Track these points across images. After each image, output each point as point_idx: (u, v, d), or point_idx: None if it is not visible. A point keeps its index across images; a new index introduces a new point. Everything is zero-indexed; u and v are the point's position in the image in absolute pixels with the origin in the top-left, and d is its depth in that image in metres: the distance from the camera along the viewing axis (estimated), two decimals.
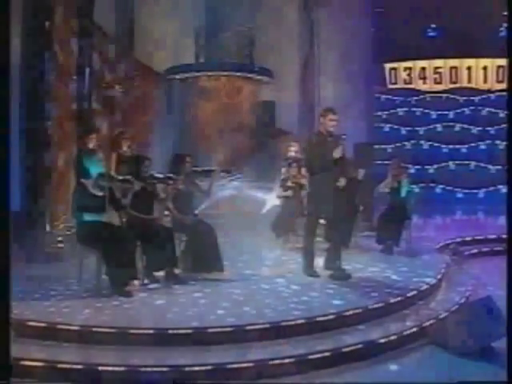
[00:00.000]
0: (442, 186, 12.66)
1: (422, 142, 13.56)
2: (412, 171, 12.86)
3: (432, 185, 12.76)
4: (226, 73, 8.82)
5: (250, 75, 9.01)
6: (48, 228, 5.61)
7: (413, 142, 13.62)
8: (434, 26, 15.88)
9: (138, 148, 7.72)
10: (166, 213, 5.58)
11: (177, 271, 4.96)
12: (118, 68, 7.94)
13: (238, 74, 8.89)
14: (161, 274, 4.84)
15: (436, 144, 13.45)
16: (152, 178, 4.96)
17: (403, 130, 14.04)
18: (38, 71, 5.44)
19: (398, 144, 13.62)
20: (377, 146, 13.10)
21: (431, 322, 4.20)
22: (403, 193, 6.43)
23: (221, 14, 8.95)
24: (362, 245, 6.77)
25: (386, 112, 14.43)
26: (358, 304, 4.19)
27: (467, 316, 3.98)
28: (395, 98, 15.00)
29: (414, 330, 4.06)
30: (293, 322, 3.78)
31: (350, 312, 4.04)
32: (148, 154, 6.80)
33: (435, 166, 13.03)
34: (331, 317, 3.93)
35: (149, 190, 4.94)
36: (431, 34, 16.05)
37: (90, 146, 5.78)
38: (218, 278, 4.97)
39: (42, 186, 5.55)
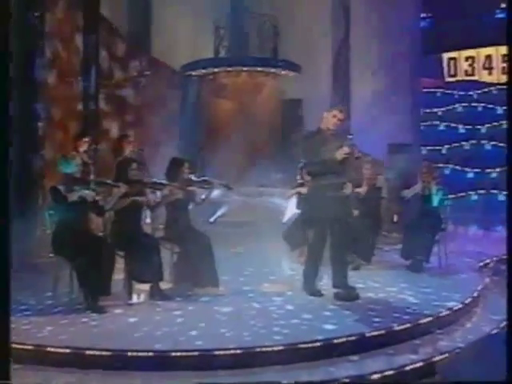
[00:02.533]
0: (506, 193, 11.81)
1: (484, 141, 12.78)
2: (470, 175, 12.21)
3: (494, 191, 11.99)
4: (246, 68, 8.67)
5: (273, 70, 8.82)
6: (39, 235, 5.73)
7: (472, 141, 12.87)
8: (503, 5, 14.93)
9: (149, 150, 7.78)
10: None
11: (165, 286, 4.93)
12: (129, 66, 8.05)
13: (260, 68, 8.72)
14: (145, 288, 4.82)
15: (501, 144, 12.63)
16: (140, 183, 4.94)
17: (462, 129, 13.31)
18: (29, 69, 5.57)
19: (455, 144, 12.93)
20: (430, 147, 12.57)
21: (442, 356, 3.87)
22: (435, 201, 6.05)
23: (243, 2, 8.86)
24: (389, 260, 6.46)
25: (442, 108, 13.73)
26: (353, 330, 3.94)
27: (483, 351, 3.63)
28: (454, 92, 14.26)
29: (419, 364, 3.74)
30: (269, 349, 3.60)
31: (342, 339, 3.80)
32: (160, 156, 6.84)
33: (498, 170, 12.22)
34: (317, 344, 3.71)
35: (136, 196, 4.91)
36: (500, 15, 15.09)
37: (81, 150, 5.93)
38: (209, 294, 4.89)
39: (33, 191, 5.67)
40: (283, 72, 8.90)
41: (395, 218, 7.01)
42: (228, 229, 7.59)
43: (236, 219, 7.69)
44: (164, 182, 5.14)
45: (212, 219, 7.61)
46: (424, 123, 12.78)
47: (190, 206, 5.42)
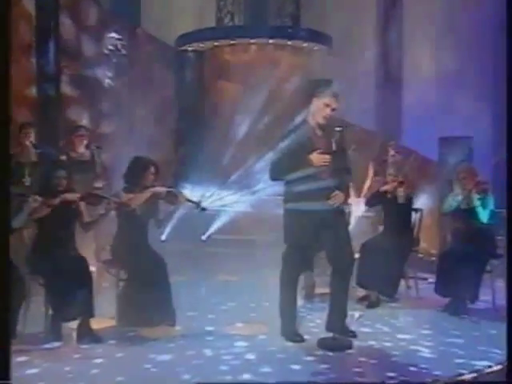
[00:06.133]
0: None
1: None
2: None
3: None
4: (256, 40, 8.39)
5: (292, 42, 8.51)
6: None
7: None
8: None
9: (134, 148, 7.75)
10: None
11: (107, 323, 4.84)
12: (105, 38, 8.04)
13: (275, 40, 8.42)
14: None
15: None
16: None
17: None
18: None
19: None
20: None
21: None
22: (483, 217, 5.56)
23: None
24: (427, 296, 6.03)
25: None
26: None
27: None
28: None
29: None
30: None
31: None
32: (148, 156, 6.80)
33: None
34: None
35: (65, 210, 4.81)
36: None
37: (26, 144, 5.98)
38: (156, 336, 4.73)
39: None
40: (305, 45, 8.55)
41: (449, 238, 6.55)
42: (224, 248, 7.45)
43: (235, 237, 7.53)
44: (104, 195, 5.03)
45: (205, 236, 7.49)
46: None
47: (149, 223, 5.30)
